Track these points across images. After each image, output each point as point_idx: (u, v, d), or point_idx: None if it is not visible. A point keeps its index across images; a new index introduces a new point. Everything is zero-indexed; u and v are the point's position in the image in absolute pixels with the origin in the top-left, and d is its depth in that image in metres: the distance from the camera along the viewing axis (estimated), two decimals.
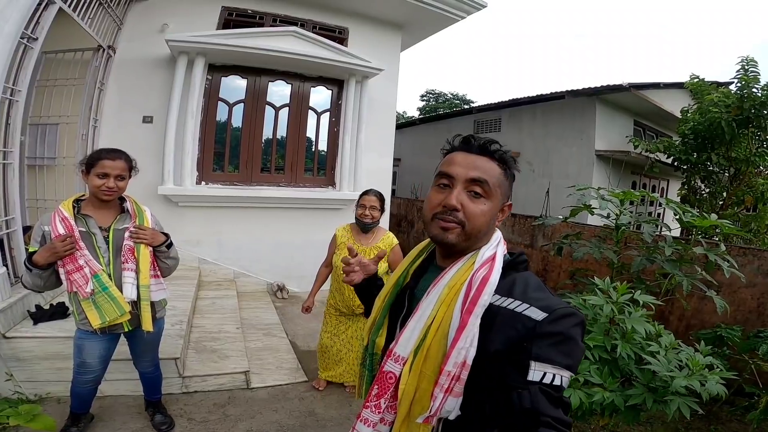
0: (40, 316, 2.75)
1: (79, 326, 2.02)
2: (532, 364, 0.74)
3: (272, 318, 4.23)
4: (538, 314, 0.78)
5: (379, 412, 0.89)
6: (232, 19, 4.79)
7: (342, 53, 4.92)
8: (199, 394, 2.87)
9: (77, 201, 1.95)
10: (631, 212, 3.13)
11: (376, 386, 0.89)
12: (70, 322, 2.05)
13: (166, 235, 2.09)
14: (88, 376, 2.10)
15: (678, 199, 7.14)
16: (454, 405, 0.80)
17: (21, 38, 2.69)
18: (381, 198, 2.80)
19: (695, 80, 6.83)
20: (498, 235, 0.94)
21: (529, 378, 0.74)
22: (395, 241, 2.88)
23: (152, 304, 2.07)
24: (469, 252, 0.90)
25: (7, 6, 2.53)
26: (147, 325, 2.03)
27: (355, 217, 2.79)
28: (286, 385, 3.11)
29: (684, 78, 7.31)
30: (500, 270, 0.86)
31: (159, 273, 2.09)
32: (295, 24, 4.95)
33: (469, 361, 0.78)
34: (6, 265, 2.77)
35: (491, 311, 0.81)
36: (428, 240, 1.05)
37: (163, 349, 2.58)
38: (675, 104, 7.92)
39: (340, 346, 2.97)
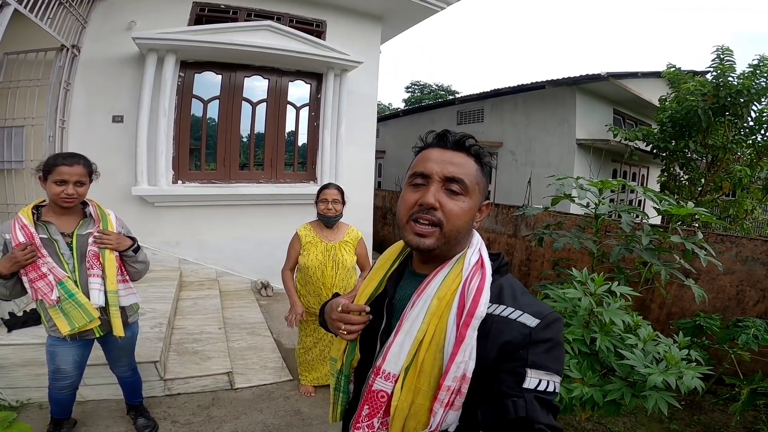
0: (13, 323, 2.72)
1: (49, 333, 1.98)
2: (528, 371, 0.74)
3: (256, 316, 4.18)
4: (531, 321, 0.77)
5: None
6: (204, 15, 4.65)
7: (319, 46, 4.84)
8: (182, 396, 2.84)
9: (37, 207, 1.89)
10: (612, 200, 3.14)
11: (366, 406, 0.85)
12: (44, 329, 2.05)
13: (133, 239, 2.04)
14: (64, 382, 2.07)
15: (658, 186, 7.27)
16: (455, 418, 0.79)
17: None
18: (341, 191, 2.79)
19: (672, 69, 6.92)
20: (478, 236, 0.91)
21: (525, 386, 0.73)
22: (360, 234, 2.90)
23: (123, 308, 2.04)
24: (450, 256, 0.86)
25: None
26: (118, 330, 1.99)
27: (318, 213, 2.77)
28: (270, 385, 3.09)
29: (661, 67, 7.40)
30: (491, 277, 0.84)
31: (128, 278, 2.04)
32: (271, 18, 4.84)
33: (469, 374, 0.76)
34: None
35: (485, 320, 0.79)
36: (400, 243, 0.99)
37: (141, 353, 2.56)
38: (653, 93, 8.03)
39: (323, 347, 2.93)
